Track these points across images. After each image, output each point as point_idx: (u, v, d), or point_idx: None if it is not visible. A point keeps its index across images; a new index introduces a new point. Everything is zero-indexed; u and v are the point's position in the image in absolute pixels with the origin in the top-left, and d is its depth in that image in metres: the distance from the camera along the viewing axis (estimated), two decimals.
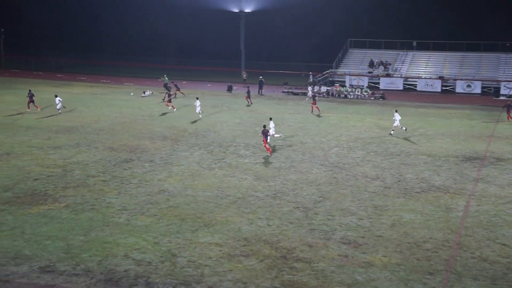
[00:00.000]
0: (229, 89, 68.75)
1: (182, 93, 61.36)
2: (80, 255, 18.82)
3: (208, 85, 75.93)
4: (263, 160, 32.77)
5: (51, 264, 18.11)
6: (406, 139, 40.19)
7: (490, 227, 22.53)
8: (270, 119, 38.49)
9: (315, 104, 52.17)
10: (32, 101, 47.84)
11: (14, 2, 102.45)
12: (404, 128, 41.69)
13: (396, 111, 42.14)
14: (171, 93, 55.15)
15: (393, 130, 41.53)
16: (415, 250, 19.98)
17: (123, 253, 19.11)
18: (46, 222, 21.92)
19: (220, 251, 19.49)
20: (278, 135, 37.99)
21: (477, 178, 29.98)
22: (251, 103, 56.85)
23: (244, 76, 77.66)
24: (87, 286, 16.78)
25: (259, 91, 66.26)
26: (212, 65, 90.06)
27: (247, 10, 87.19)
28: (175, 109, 50.39)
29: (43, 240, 20.04)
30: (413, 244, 20.54)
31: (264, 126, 35.41)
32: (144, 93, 61.95)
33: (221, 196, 25.68)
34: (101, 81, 76.37)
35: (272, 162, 32.33)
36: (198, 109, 46.89)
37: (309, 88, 64.69)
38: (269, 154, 34.13)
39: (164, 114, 48.68)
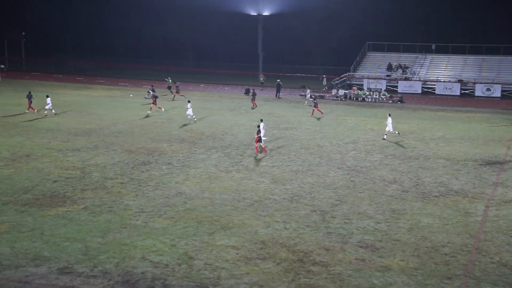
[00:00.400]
0: (247, 92, 68.82)
1: (182, 95, 61.37)
2: (98, 257, 18.96)
3: (226, 88, 76.10)
4: (280, 163, 32.77)
5: (70, 266, 18.26)
6: (425, 143, 39.97)
7: (509, 232, 22.30)
8: (261, 120, 38.48)
9: (317, 107, 51.83)
10: (31, 102, 48.28)
11: (35, 6, 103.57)
12: (397, 132, 41.25)
13: (389, 115, 41.61)
14: (156, 95, 54.22)
15: (385, 134, 40.98)
16: (433, 254, 19.85)
17: (140, 255, 19.21)
18: (64, 223, 22.11)
19: (237, 254, 19.52)
20: (264, 138, 37.82)
21: (496, 182, 29.70)
22: (256, 106, 56.86)
23: (262, 79, 77.70)
24: None
25: (276, 94, 66.27)
26: (230, 68, 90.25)
27: (265, 13, 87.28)
28: (150, 112, 49.72)
29: (61, 242, 20.22)
30: (431, 248, 20.40)
31: (258, 126, 35.77)
32: (148, 92, 62.10)
33: (238, 199, 25.72)
34: (120, 84, 76.87)
35: (289, 165, 32.32)
36: (188, 112, 45.61)
37: (308, 90, 63.86)
38: (255, 153, 35.00)
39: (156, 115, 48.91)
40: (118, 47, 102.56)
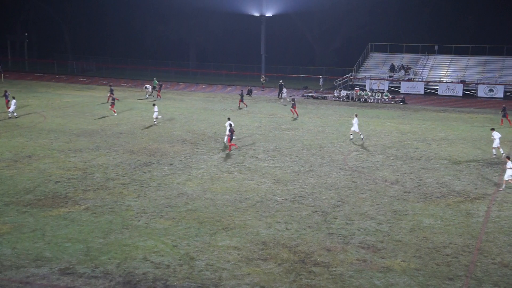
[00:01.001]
0: (249, 92, 68.76)
1: (159, 95, 61.70)
2: (99, 258, 18.98)
3: (228, 88, 76.09)
4: (282, 164, 32.77)
5: (71, 266, 18.29)
6: (427, 143, 39.94)
7: (511, 232, 22.27)
8: (228, 118, 38.61)
9: (295, 108, 51.28)
10: (8, 101, 48.04)
11: (37, 7, 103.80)
12: (361, 136, 40.31)
13: (356, 116, 40.77)
14: (115, 97, 52.73)
15: (351, 135, 40.36)
16: (435, 255, 19.83)
17: (142, 256, 19.23)
18: (66, 224, 22.14)
19: (238, 254, 19.53)
20: (227, 134, 37.94)
21: (498, 183, 29.64)
22: (246, 106, 56.73)
23: (262, 79, 77.56)
24: None
25: (279, 95, 66.21)
26: (232, 69, 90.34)
27: (268, 14, 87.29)
28: (116, 114, 49.03)
29: (63, 243, 20.25)
30: (433, 249, 20.38)
31: (230, 125, 36.37)
32: (146, 88, 63.01)
33: (239, 200, 25.72)
34: (122, 84, 76.93)
35: (291, 166, 32.32)
36: (155, 115, 45.04)
37: (284, 90, 63.26)
38: (235, 147, 36.19)
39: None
40: (121, 48, 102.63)
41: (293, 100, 52.35)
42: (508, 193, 27.79)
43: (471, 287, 17.49)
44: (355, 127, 39.98)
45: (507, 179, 28.07)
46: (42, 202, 24.84)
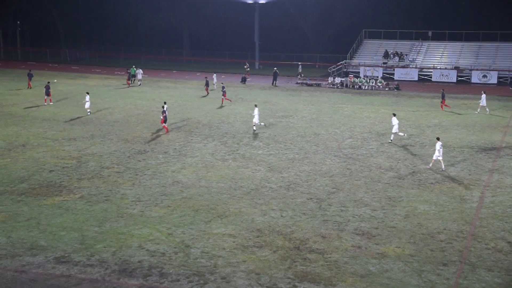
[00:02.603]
0: (243, 80, 68.69)
1: (128, 84, 62.12)
2: (95, 246, 18.99)
3: (222, 76, 75.84)
4: (276, 152, 32.78)
5: (66, 255, 18.29)
6: (421, 130, 39.98)
7: (505, 218, 22.41)
8: (165, 102, 39.81)
9: (225, 96, 50.53)
10: None
11: None
12: (263, 124, 39.55)
13: (256, 106, 39.49)
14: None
15: (254, 126, 38.92)
16: (429, 241, 19.93)
17: (137, 244, 19.25)
18: (61, 213, 22.13)
19: (234, 242, 19.57)
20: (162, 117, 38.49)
21: (492, 169, 29.78)
22: (207, 94, 56.32)
23: (246, 67, 76.84)
24: (102, 277, 16.93)
25: (273, 83, 66.18)
26: (226, 57, 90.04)
27: (262, 1, 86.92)
28: (51, 103, 47.79)
29: (58, 231, 20.25)
30: (427, 235, 20.48)
31: (163, 107, 38.07)
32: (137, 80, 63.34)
33: (234, 187, 25.75)
34: (116, 73, 76.60)
35: (285, 154, 32.34)
36: (87, 105, 43.39)
37: (214, 75, 63.31)
38: (165, 132, 37.57)
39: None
40: (114, 36, 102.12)
41: (223, 88, 51.44)
42: (501, 178, 27.93)
43: (465, 272, 17.60)
44: (256, 119, 38.71)
45: (435, 158, 29.29)
46: (37, 191, 24.80)
